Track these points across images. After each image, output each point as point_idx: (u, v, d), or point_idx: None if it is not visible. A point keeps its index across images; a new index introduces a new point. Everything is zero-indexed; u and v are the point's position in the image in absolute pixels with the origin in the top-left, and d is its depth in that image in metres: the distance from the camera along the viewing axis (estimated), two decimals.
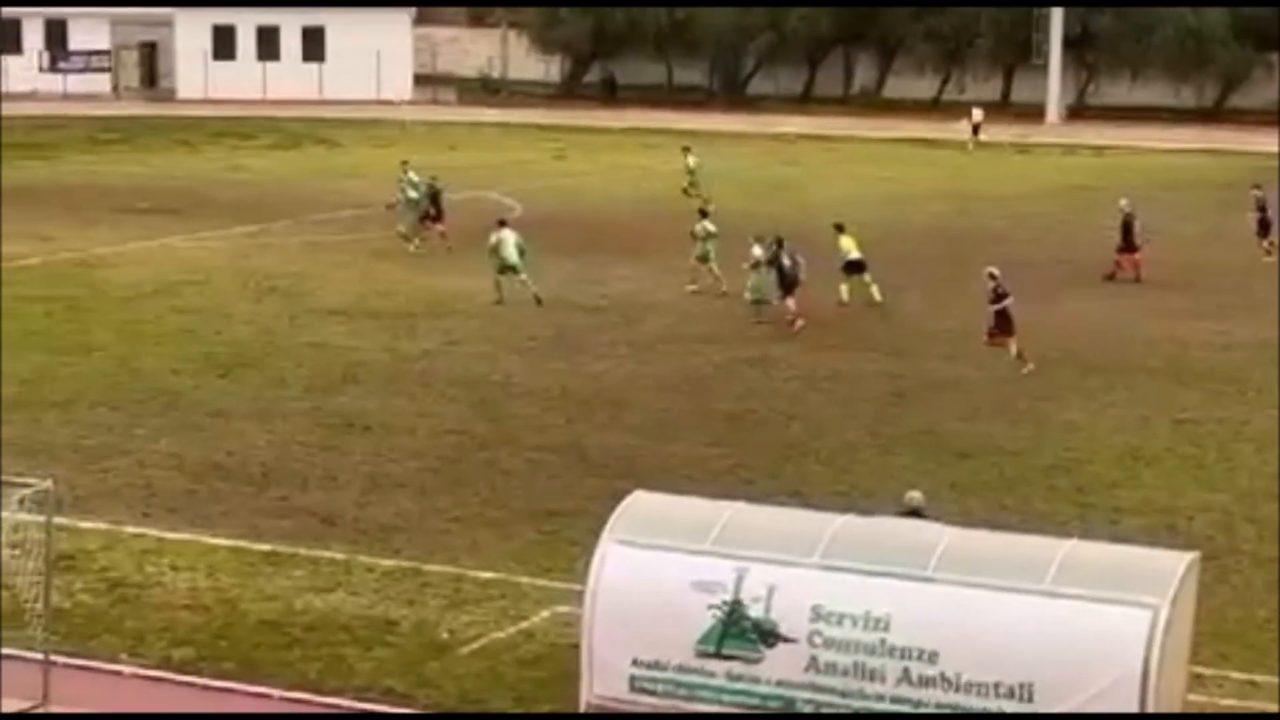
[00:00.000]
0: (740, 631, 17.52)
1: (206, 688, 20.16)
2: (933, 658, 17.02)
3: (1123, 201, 47.85)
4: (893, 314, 42.19)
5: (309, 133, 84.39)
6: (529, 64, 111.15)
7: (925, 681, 17.05)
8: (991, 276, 37.01)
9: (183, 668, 20.62)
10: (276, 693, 19.94)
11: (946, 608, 17.08)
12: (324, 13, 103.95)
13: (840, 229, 44.30)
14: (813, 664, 17.34)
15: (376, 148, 78.23)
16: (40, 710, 19.12)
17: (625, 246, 51.06)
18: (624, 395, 33.90)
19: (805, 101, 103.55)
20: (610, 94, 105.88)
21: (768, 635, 17.44)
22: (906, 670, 17.08)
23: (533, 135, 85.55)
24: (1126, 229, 46.78)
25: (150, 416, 31.81)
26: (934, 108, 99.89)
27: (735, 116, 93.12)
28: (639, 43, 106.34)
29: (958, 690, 16.93)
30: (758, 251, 40.80)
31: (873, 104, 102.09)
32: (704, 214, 45.64)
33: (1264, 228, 50.28)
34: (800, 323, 39.10)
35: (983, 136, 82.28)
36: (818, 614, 17.33)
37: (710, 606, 17.57)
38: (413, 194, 50.02)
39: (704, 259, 44.31)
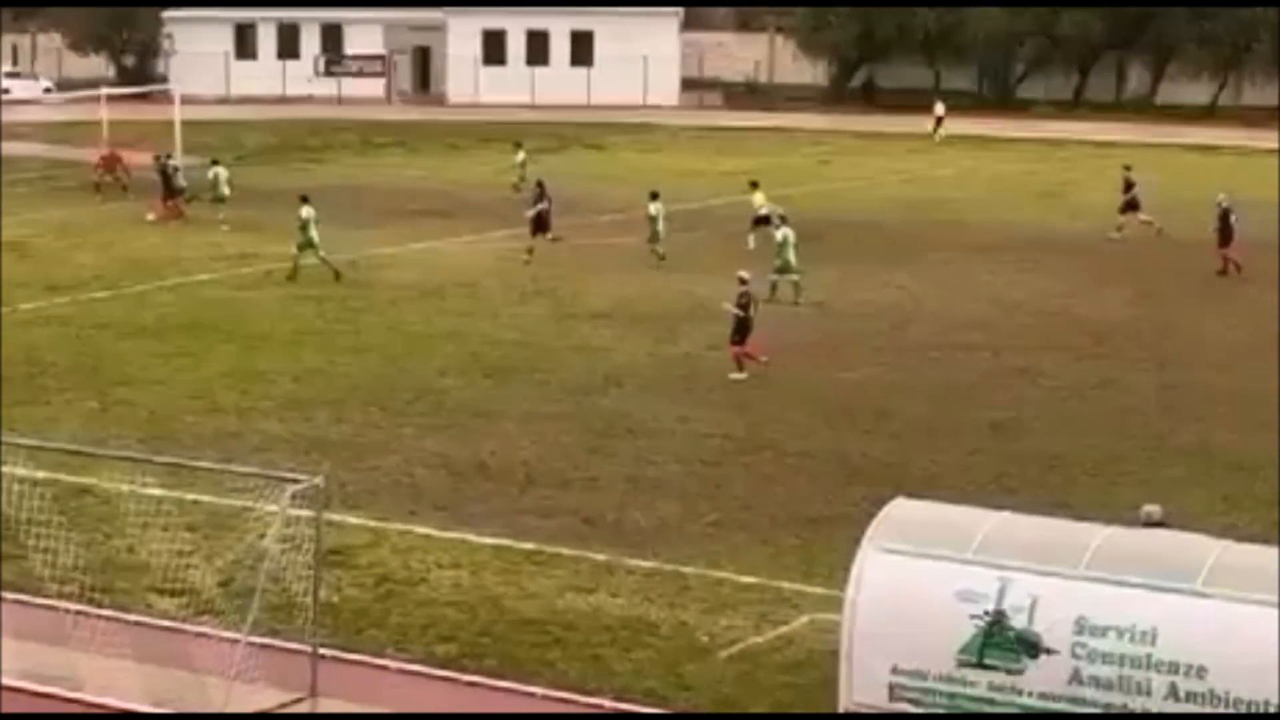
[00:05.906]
0: (1002, 642, 17.29)
1: (470, 684, 20.40)
2: (1201, 673, 16.66)
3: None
4: (1165, 324, 41.41)
5: (576, 136, 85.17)
6: (795, 68, 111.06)
7: (1192, 697, 16.68)
8: None
9: (446, 664, 20.89)
10: (540, 691, 20.12)
11: (1216, 622, 16.70)
12: (593, 17, 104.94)
13: (755, 185, 52.02)
14: (1075, 676, 17.07)
15: (642, 152, 78.71)
16: (306, 702, 19.52)
17: (890, 252, 50.76)
18: (887, 402, 33.67)
19: (1076, 106, 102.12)
20: (868, 99, 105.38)
21: (1030, 646, 17.20)
22: (1173, 685, 16.72)
23: (798, 140, 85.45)
24: None
25: (418, 416, 32.31)
26: (1209, 114, 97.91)
27: (1004, 121, 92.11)
28: (907, 47, 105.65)
29: (1227, 706, 16.55)
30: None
31: (1145, 109, 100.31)
32: (654, 196, 48.73)
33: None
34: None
35: (944, 131, 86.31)
36: (1082, 626, 17.04)
37: (972, 616, 17.36)
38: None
39: (654, 239, 48.34)
